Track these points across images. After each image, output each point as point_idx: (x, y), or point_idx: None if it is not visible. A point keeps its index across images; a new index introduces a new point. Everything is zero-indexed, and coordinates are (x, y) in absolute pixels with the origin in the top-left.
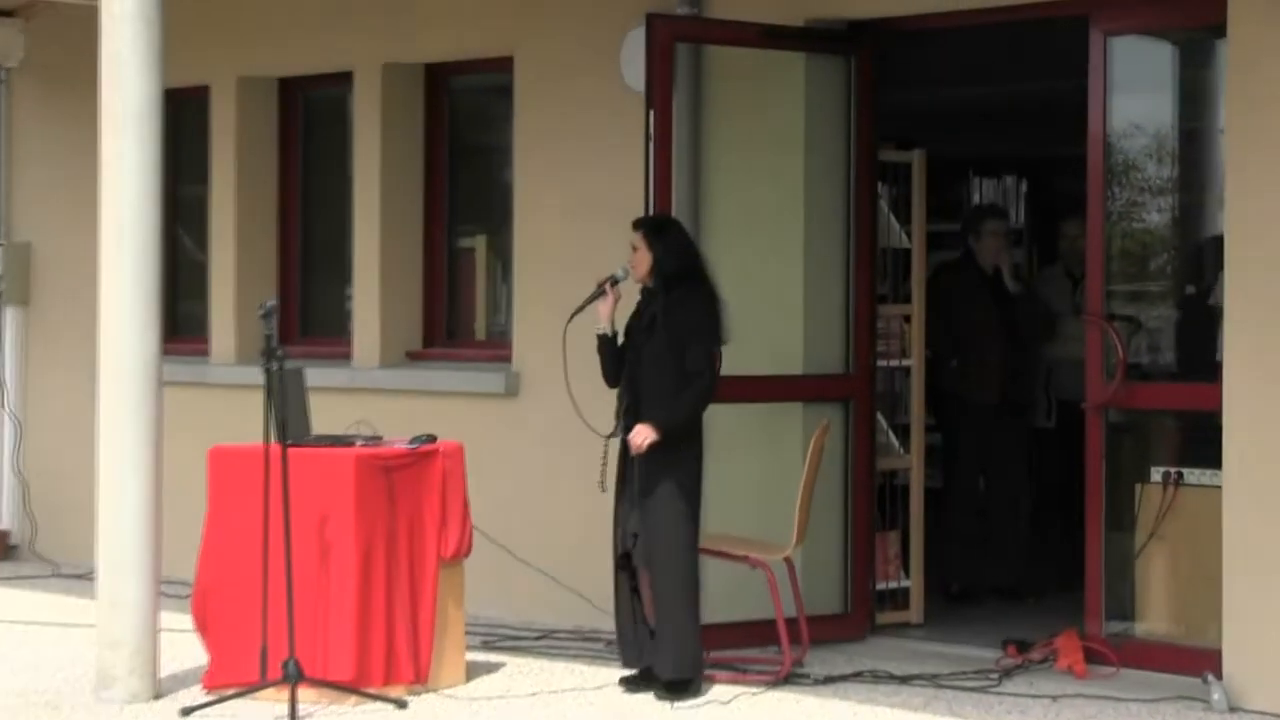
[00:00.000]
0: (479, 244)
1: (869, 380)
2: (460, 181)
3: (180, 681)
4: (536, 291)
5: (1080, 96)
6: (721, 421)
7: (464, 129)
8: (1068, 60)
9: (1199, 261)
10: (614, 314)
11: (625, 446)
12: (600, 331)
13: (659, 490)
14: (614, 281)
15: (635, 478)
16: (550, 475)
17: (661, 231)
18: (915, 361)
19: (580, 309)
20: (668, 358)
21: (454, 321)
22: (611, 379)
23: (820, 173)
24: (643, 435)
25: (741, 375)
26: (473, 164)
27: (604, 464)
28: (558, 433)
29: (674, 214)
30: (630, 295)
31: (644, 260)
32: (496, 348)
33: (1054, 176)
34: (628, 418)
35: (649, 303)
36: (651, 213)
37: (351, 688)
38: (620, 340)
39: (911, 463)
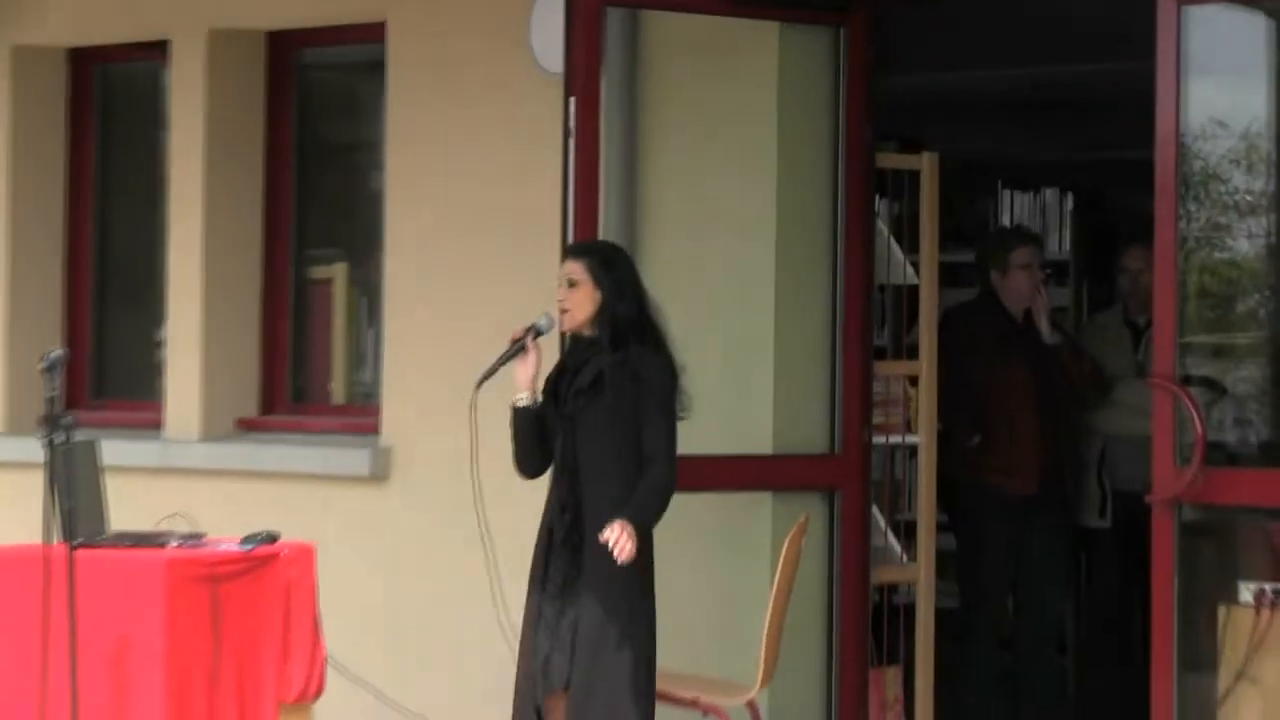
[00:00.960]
0: (337, 273)
1: (861, 463)
2: (313, 189)
3: None
4: (415, 338)
5: (1145, 83)
6: (667, 516)
7: (319, 119)
8: (1128, 35)
9: None
10: (536, 378)
11: (546, 549)
12: (520, 402)
13: (604, 617)
14: (536, 334)
15: (561, 594)
16: (433, 589)
17: (612, 264)
18: (924, 438)
19: (490, 372)
20: (616, 433)
21: (302, 379)
22: (530, 465)
23: (798, 183)
24: (624, 537)
25: (691, 456)
26: (330, 166)
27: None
28: (444, 531)
29: (602, 234)
30: (548, 350)
31: (585, 302)
32: (360, 415)
33: (1110, 189)
34: (568, 512)
35: (584, 358)
36: (574, 234)
37: None
38: (533, 406)
39: (918, 574)
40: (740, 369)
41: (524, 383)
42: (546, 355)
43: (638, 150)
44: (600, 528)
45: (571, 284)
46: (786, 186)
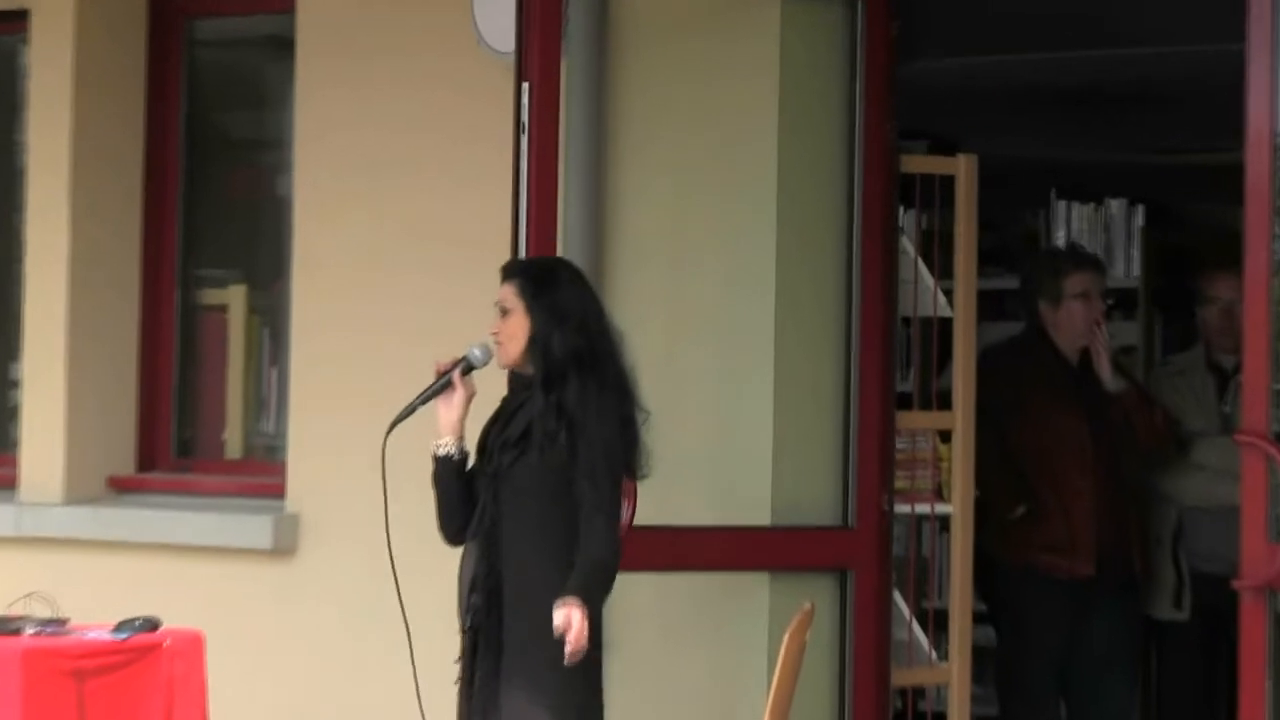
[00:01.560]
0: (233, 298)
1: (880, 537)
2: (205, 194)
3: None
4: (330, 379)
5: (1232, 68)
6: (637, 603)
7: (212, 108)
8: (1211, 12)
9: None
10: (464, 421)
11: (472, 642)
12: (441, 450)
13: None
14: (467, 368)
15: (481, 697)
16: (348, 688)
17: (546, 284)
18: (957, 507)
19: (409, 411)
20: (545, 496)
21: (190, 429)
22: (453, 527)
23: (804, 191)
24: (576, 623)
25: (668, 527)
26: (227, 165)
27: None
28: (364, 617)
29: (561, 253)
30: (490, 388)
31: (517, 331)
32: (261, 473)
33: (1189, 200)
34: (478, 594)
35: (520, 402)
36: (525, 251)
37: None
38: (470, 463)
39: (950, 675)
40: (731, 419)
41: (447, 426)
42: (491, 393)
43: (606, 149)
44: (521, 613)
45: (503, 311)
46: (789, 196)
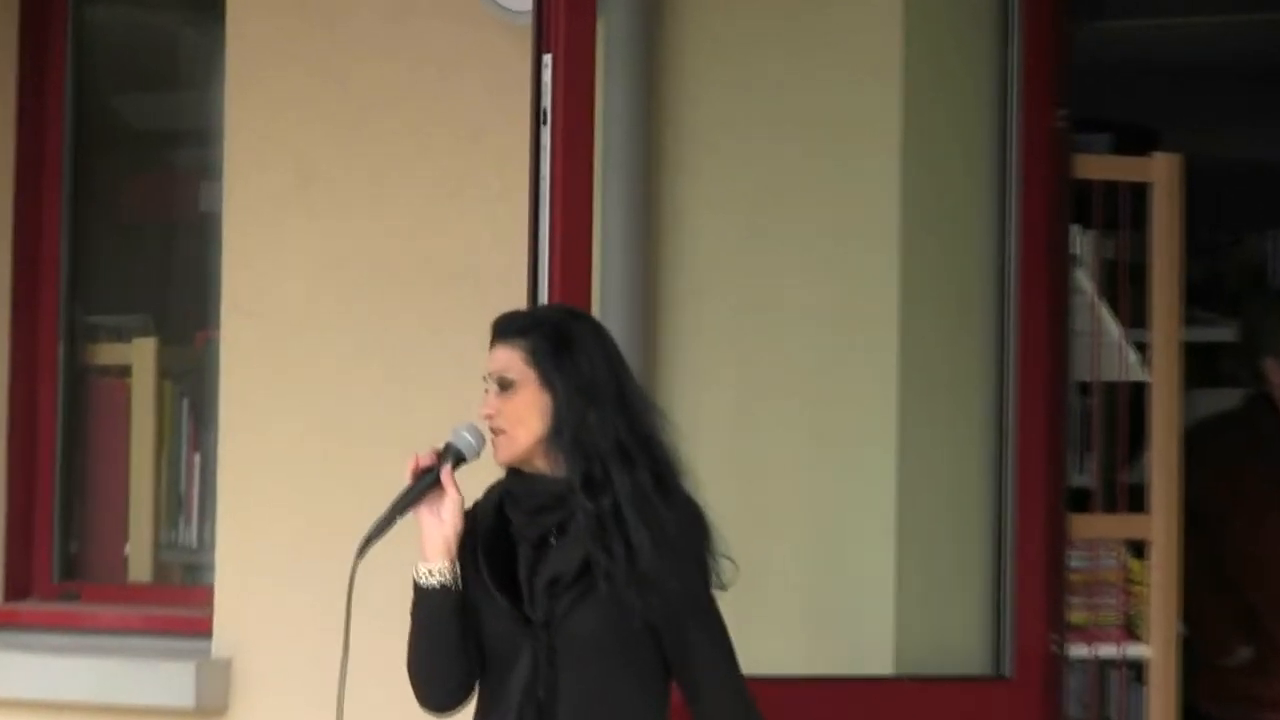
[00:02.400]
0: (139, 358)
1: (1046, 692)
2: (101, 214)
3: None
4: (271, 473)
5: None
6: None
7: (111, 91)
8: None
9: None
10: (459, 536)
11: None
12: (428, 579)
13: None
14: (456, 461)
15: None
16: None
17: (568, 344)
18: (1156, 649)
19: (385, 524)
20: (630, 647)
21: (78, 542)
22: (443, 687)
23: (936, 203)
24: None
25: (761, 677)
26: (130, 172)
27: None
28: None
29: (599, 290)
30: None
31: (528, 415)
32: (178, 603)
33: None
34: None
35: (539, 513)
36: (548, 291)
37: None
38: (455, 586)
39: None
40: (835, 524)
41: (435, 544)
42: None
43: (659, 146)
44: None
45: (504, 385)
46: (917, 210)
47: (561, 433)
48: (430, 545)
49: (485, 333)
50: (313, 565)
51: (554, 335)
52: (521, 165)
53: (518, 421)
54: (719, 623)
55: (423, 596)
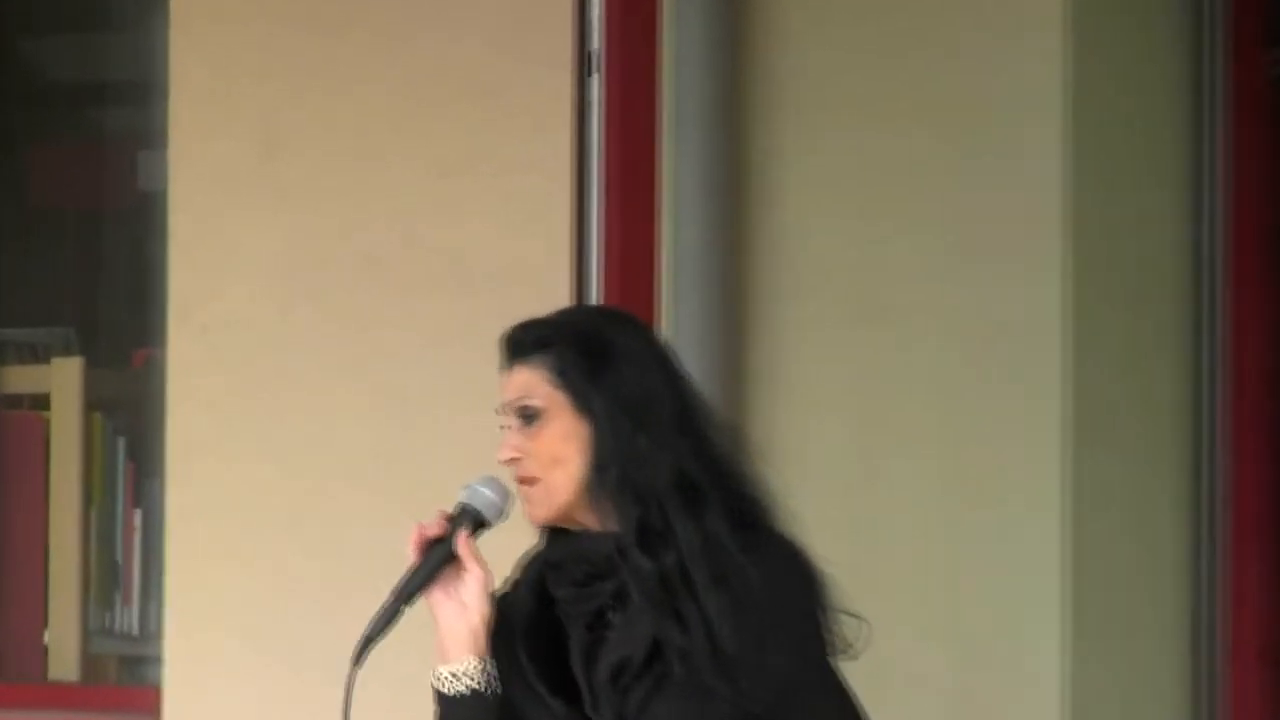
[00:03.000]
0: (60, 379)
1: None
2: (10, 198)
3: None
4: (233, 534)
5: None
6: None
7: (20, 33)
8: None
9: None
10: (490, 624)
11: None
12: (453, 684)
13: None
14: (475, 525)
15: None
16: None
17: (605, 354)
18: None
19: (388, 618)
20: None
21: None
22: None
23: (1113, 184)
24: None
25: None
26: (49, 142)
27: None
28: None
29: (669, 294)
30: (507, 546)
31: (563, 449)
32: (113, 707)
33: None
34: None
35: (592, 581)
36: (597, 291)
37: None
38: (489, 690)
39: None
40: (983, 609)
41: (459, 640)
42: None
43: (747, 107)
44: None
45: (527, 417)
46: (1085, 192)
47: (606, 469)
48: (451, 640)
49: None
50: (290, 657)
51: (584, 343)
52: (553, 128)
53: (552, 463)
54: (838, 698)
55: (449, 710)
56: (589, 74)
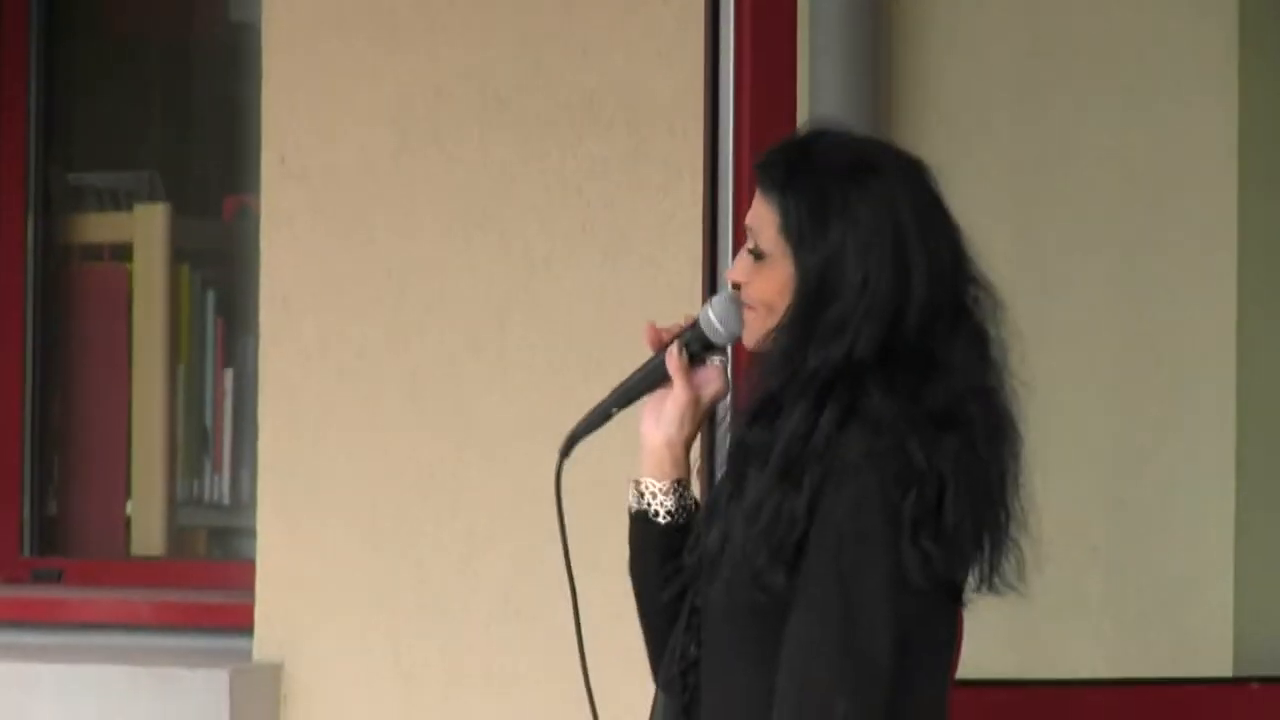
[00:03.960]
0: (144, 228)
1: None
2: (81, 18)
3: None
4: (328, 398)
5: None
6: None
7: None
8: None
9: None
10: (690, 445)
11: None
12: (640, 502)
13: None
14: (701, 345)
15: None
16: None
17: (836, 212)
18: None
19: (596, 421)
20: (756, 628)
21: (61, 500)
22: (654, 649)
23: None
24: None
25: (1056, 682)
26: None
27: None
28: None
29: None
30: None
31: (773, 294)
32: (207, 584)
33: None
34: None
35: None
36: (726, 154)
37: None
38: (664, 518)
39: None
40: (1154, 499)
41: (658, 454)
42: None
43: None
44: None
45: (756, 254)
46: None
47: (780, 335)
48: (645, 454)
49: (630, 186)
50: (397, 532)
51: (818, 194)
52: None
53: (769, 305)
54: (847, 598)
55: (631, 524)
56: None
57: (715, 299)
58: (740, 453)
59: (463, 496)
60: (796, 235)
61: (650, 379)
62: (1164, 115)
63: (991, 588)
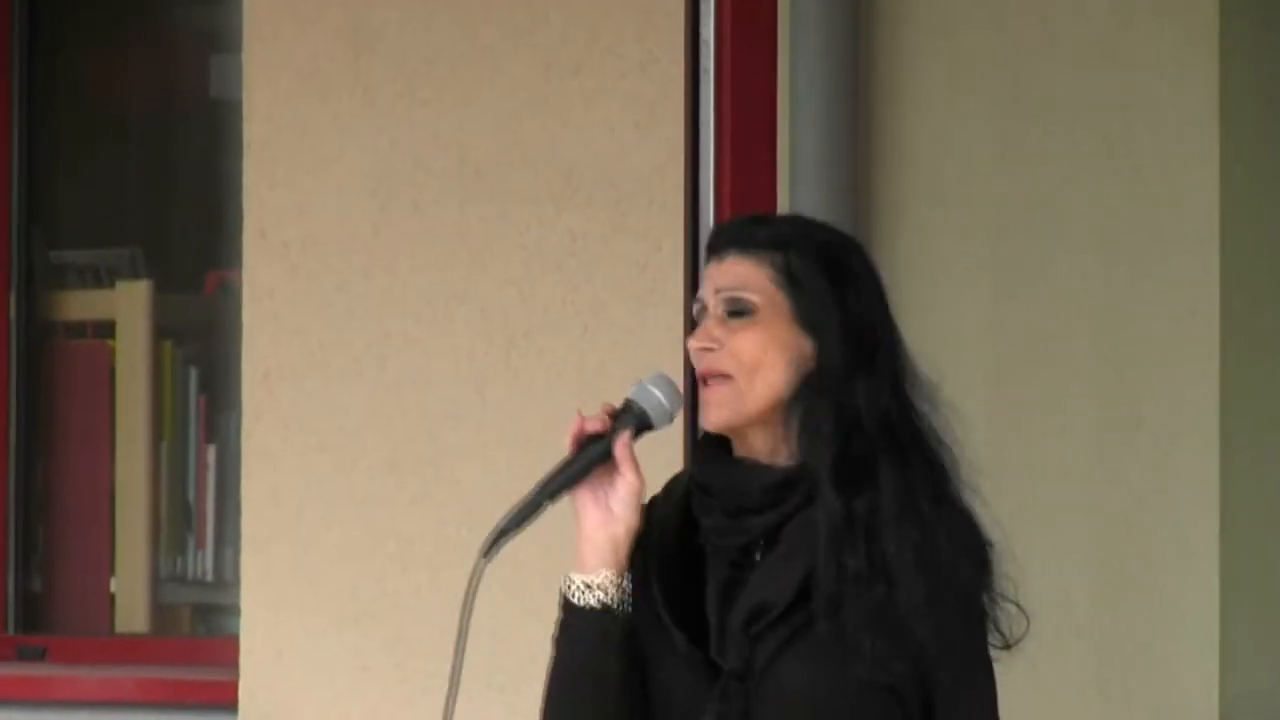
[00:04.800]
0: (126, 305)
1: None
2: (65, 92)
3: None
4: (311, 473)
5: None
6: None
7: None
8: None
9: None
10: (633, 536)
11: None
12: (582, 595)
13: None
14: (638, 426)
15: None
16: None
17: (843, 276)
18: None
19: (524, 515)
20: (864, 712)
21: (38, 576)
22: None
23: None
24: None
25: None
26: (107, 37)
27: None
28: None
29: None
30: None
31: (768, 354)
32: (186, 660)
33: None
34: None
35: (752, 516)
36: (688, 209)
37: None
38: (621, 609)
39: None
40: (1138, 550)
41: (599, 549)
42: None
43: (873, 45)
44: None
45: (736, 310)
46: (1237, 167)
47: (820, 392)
48: (590, 548)
49: (610, 259)
50: (378, 608)
51: (823, 253)
52: (665, 28)
53: (752, 366)
54: (989, 693)
55: (574, 620)
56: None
57: (650, 378)
58: (847, 523)
59: (444, 571)
60: (812, 290)
61: (585, 468)
62: (1145, 176)
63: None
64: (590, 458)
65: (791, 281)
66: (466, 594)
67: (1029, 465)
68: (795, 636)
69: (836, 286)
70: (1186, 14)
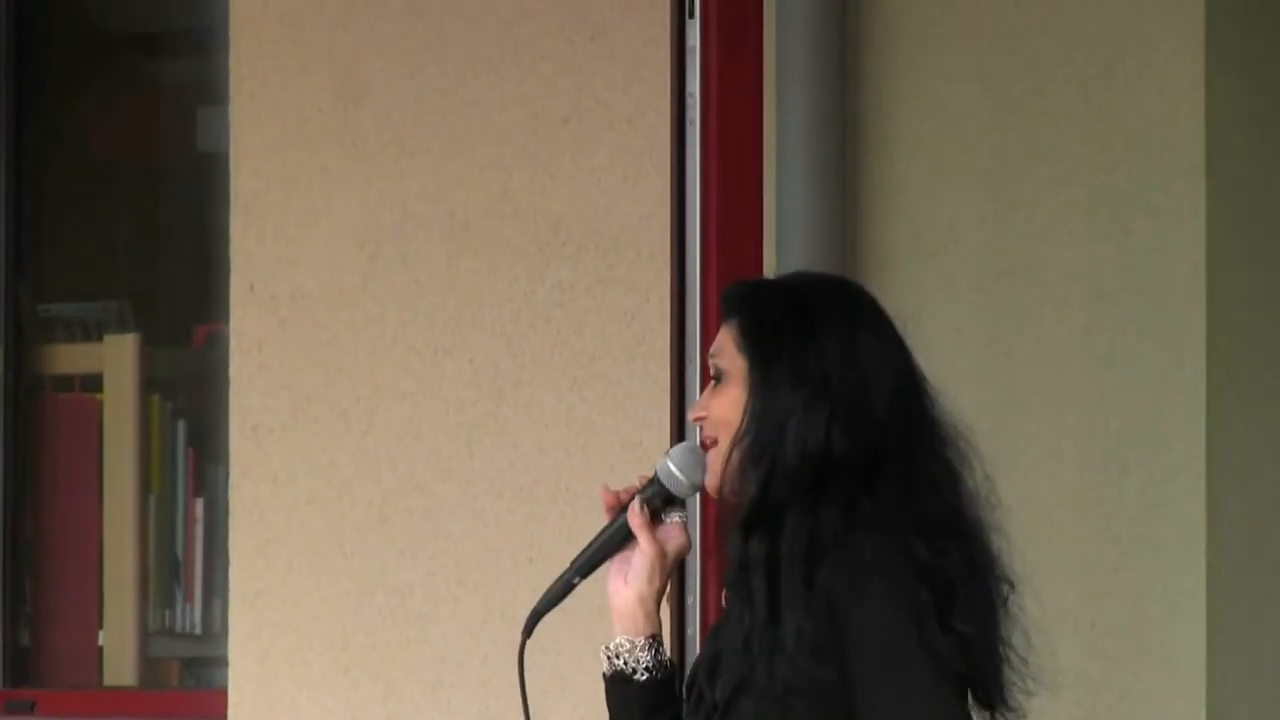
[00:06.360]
0: (113, 359)
1: None
2: (52, 146)
3: None
4: (301, 527)
5: None
6: None
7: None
8: None
9: None
10: (660, 601)
11: None
12: (615, 662)
13: None
14: (663, 499)
15: None
16: None
17: (794, 328)
18: None
19: (560, 593)
20: None
21: (27, 630)
22: None
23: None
24: None
25: None
26: (94, 90)
27: None
28: None
29: (771, 255)
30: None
31: (731, 414)
32: (175, 714)
33: None
34: None
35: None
36: (692, 270)
37: None
38: (642, 675)
39: None
40: (1121, 584)
41: (630, 614)
42: None
43: (852, 46)
44: None
45: (717, 377)
46: (1224, 143)
47: (744, 439)
48: (614, 616)
49: (598, 310)
50: (367, 660)
51: (775, 311)
52: (652, 78)
53: (728, 426)
54: (927, 698)
55: (608, 688)
56: (688, 17)
57: (673, 450)
58: (744, 569)
59: (433, 623)
60: (753, 340)
61: (611, 544)
62: (1133, 227)
63: (993, 711)
64: (614, 532)
65: (745, 340)
66: (519, 675)
67: (1016, 514)
68: (746, 680)
69: (781, 340)
70: (1172, 68)
